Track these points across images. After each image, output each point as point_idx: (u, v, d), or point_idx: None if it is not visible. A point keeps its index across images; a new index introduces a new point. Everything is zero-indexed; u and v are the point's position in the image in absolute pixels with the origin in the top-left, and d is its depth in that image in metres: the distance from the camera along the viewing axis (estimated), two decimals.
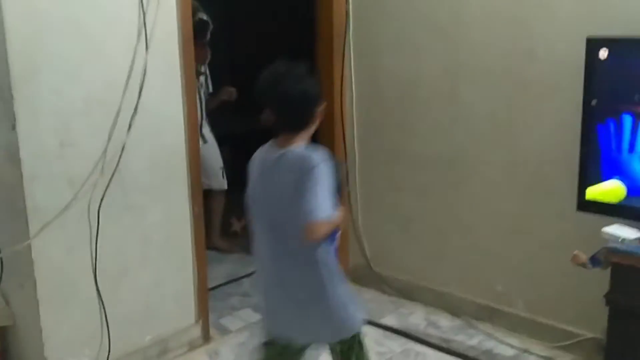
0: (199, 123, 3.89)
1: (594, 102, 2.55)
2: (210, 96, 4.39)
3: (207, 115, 4.31)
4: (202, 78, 4.20)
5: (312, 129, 2.12)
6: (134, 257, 2.97)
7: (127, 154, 2.84)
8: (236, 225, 4.64)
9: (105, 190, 2.78)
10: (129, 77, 2.82)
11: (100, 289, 2.83)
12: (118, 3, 2.75)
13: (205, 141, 4.17)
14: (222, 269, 4.21)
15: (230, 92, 4.44)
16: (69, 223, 2.70)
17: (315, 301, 2.11)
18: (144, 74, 2.83)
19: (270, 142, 2.13)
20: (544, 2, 2.95)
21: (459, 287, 3.47)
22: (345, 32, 3.68)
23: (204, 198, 3.26)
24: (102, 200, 2.77)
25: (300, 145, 2.07)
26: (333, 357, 2.28)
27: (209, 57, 4.17)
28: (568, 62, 2.82)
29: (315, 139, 2.32)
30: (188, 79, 3.05)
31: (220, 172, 4.37)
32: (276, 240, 2.10)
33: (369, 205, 3.81)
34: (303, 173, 1.97)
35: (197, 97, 3.47)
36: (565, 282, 3.01)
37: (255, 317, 3.34)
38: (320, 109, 2.10)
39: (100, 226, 2.79)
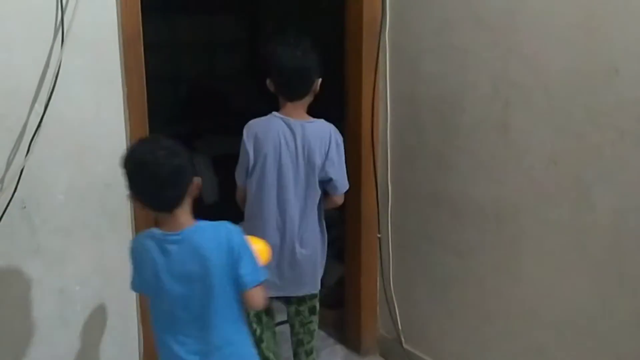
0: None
1: None
2: None
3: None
4: None
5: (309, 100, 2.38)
6: (46, 318, 2.29)
7: (34, 183, 2.18)
8: None
9: None
10: (40, 83, 2.15)
11: None
12: None
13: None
14: None
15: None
16: None
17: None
18: (56, 78, 2.14)
19: (273, 114, 2.35)
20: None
21: None
22: (380, 29, 2.77)
23: None
24: None
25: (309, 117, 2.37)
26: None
27: None
28: None
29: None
30: (133, 87, 2.32)
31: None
32: (297, 196, 2.36)
33: (403, 260, 2.88)
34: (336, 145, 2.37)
35: None
36: None
37: None
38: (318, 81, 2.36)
39: None
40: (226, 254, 1.75)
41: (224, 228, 1.79)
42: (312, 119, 2.38)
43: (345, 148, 2.87)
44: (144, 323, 2.45)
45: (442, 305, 2.70)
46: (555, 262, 2.21)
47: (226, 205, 3.63)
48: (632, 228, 1.97)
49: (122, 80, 2.29)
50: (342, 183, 2.41)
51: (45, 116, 2.13)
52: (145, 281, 1.83)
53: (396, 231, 2.88)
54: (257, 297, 1.81)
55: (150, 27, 2.39)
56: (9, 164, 2.13)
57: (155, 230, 1.79)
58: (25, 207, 2.17)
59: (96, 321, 2.39)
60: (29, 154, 2.12)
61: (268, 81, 2.34)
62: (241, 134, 2.39)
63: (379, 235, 2.94)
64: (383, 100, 2.83)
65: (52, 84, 2.13)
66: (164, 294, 1.78)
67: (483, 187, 2.44)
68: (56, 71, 2.13)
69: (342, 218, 3.06)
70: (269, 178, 2.34)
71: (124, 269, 2.34)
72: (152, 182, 1.72)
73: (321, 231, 2.47)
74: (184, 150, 1.76)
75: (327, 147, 2.34)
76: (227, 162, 4.31)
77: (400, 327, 2.91)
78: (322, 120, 2.39)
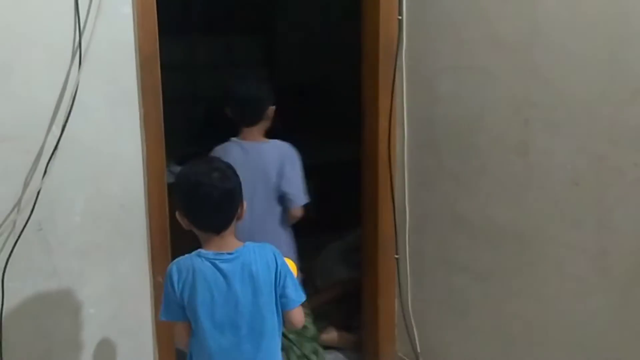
0: None
1: None
2: None
3: None
4: None
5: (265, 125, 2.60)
6: (62, 340, 2.28)
7: (50, 204, 2.18)
8: None
9: (12, 250, 2.12)
10: (57, 105, 2.15)
11: None
12: (40, 6, 2.09)
13: None
14: None
15: None
16: None
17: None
18: (73, 100, 2.14)
19: (231, 140, 2.61)
20: None
21: None
22: (397, 50, 2.76)
23: None
24: (6, 264, 2.12)
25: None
26: None
27: None
28: None
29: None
30: (150, 108, 2.32)
31: None
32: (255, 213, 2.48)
33: (421, 283, 2.84)
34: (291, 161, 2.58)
35: None
36: None
37: None
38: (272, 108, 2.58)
39: (5, 298, 2.13)
40: (274, 274, 1.81)
41: (270, 249, 1.85)
42: (268, 140, 2.66)
43: (361, 169, 2.89)
44: (160, 346, 2.43)
45: (461, 329, 2.65)
46: (576, 286, 2.16)
47: None
48: None
49: (139, 102, 2.29)
50: (297, 196, 2.62)
51: (62, 138, 2.13)
52: (192, 306, 1.78)
53: (414, 253, 2.85)
54: (299, 316, 1.88)
55: (167, 47, 2.40)
56: (25, 185, 2.13)
57: (203, 251, 1.81)
58: (41, 229, 2.17)
59: (110, 344, 2.37)
60: (45, 176, 2.12)
61: (227, 109, 2.63)
62: None
63: (396, 257, 2.91)
64: (400, 121, 2.80)
65: (70, 106, 2.13)
66: (214, 315, 1.78)
67: (503, 209, 2.40)
68: (73, 93, 2.14)
69: None
70: None
71: (139, 291, 2.36)
72: (205, 204, 1.76)
73: (286, 241, 2.70)
74: (235, 174, 1.83)
75: (281, 163, 2.59)
76: None
77: (419, 349, 2.86)
78: (276, 141, 2.65)
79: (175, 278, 1.79)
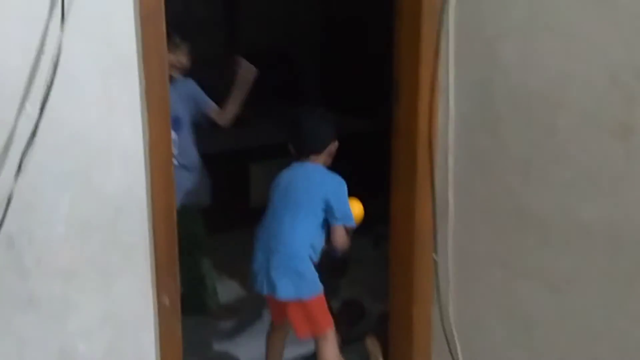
0: None
1: None
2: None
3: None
4: None
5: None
6: None
7: (25, 212, 1.61)
8: None
9: None
10: (31, 75, 1.57)
11: None
12: None
13: None
14: None
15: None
16: None
17: None
18: (54, 69, 1.56)
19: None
20: None
21: None
22: (443, 5, 2.26)
23: None
24: None
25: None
26: None
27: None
28: None
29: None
30: (153, 77, 1.77)
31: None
32: None
33: (468, 290, 2.39)
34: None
35: None
36: None
37: None
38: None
39: None
40: (325, 189, 2.46)
41: (336, 177, 2.50)
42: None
43: (395, 149, 2.44)
44: None
45: (524, 347, 2.22)
46: None
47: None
48: None
49: (139, 69, 1.74)
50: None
51: (40, 121, 1.55)
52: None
53: (459, 253, 2.39)
54: (339, 234, 2.48)
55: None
56: None
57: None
58: (14, 245, 1.60)
59: None
60: (19, 173, 1.54)
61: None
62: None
63: (435, 257, 2.45)
64: (444, 95, 2.32)
65: (50, 76, 1.56)
66: (274, 197, 2.51)
67: (590, 205, 1.97)
68: (55, 59, 1.56)
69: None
70: None
71: (140, 318, 1.85)
72: (299, 135, 2.54)
73: None
74: (329, 120, 2.58)
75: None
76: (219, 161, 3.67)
77: None
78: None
79: None
